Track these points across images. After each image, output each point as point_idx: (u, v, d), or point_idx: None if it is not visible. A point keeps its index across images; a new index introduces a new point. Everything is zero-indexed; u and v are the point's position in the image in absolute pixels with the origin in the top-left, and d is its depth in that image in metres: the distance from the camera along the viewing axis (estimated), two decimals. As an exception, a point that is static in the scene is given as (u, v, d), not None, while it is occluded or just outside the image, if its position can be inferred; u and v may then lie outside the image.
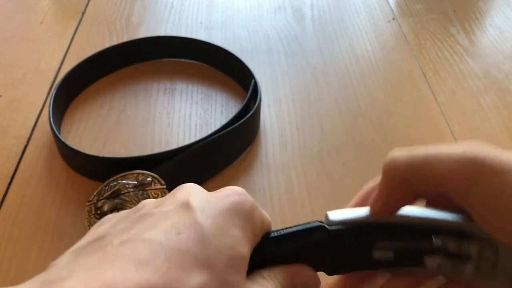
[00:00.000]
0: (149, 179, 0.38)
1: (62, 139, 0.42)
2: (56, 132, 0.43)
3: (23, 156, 0.45)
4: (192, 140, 0.42)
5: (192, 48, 0.55)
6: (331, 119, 0.49)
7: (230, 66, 0.53)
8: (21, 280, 0.39)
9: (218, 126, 0.44)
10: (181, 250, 0.17)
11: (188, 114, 0.49)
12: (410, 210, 0.22)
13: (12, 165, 0.44)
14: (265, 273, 0.21)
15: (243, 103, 0.45)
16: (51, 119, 0.44)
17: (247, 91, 0.47)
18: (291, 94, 0.52)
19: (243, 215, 0.20)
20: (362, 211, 0.22)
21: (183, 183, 0.44)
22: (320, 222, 0.23)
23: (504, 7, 0.66)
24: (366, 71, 0.55)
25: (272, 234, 0.22)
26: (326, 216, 0.23)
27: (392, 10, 0.66)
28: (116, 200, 0.37)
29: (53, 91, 0.47)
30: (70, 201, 0.41)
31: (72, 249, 0.19)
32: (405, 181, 0.21)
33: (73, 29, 0.62)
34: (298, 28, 0.62)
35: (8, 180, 0.43)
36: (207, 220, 0.19)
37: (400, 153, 0.21)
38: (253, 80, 0.47)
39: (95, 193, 0.38)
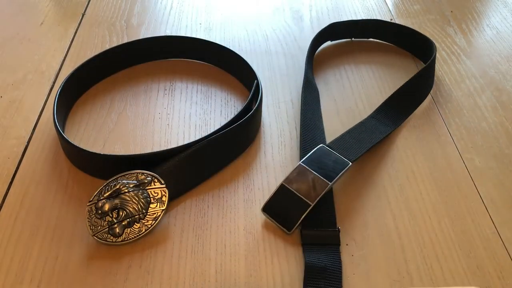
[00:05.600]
0: (149, 178, 0.39)
1: (67, 138, 0.42)
2: (61, 132, 0.43)
3: (24, 157, 0.45)
4: (192, 140, 0.42)
5: (193, 47, 0.55)
6: (329, 119, 0.49)
7: (232, 66, 0.53)
8: (22, 280, 0.39)
9: (217, 126, 0.44)
10: None
11: (188, 114, 0.49)
12: None
13: (13, 166, 0.44)
14: None
15: (245, 104, 0.45)
16: (56, 120, 0.44)
17: (248, 89, 0.47)
18: (289, 94, 0.52)
19: None
20: None
21: (183, 182, 0.44)
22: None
23: (501, 8, 0.67)
24: (364, 71, 0.55)
25: None
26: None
27: (390, 11, 0.66)
28: (116, 200, 0.38)
29: (56, 93, 0.47)
30: (70, 201, 0.41)
31: None
32: None
33: (73, 30, 0.62)
34: (296, 29, 0.63)
35: (9, 180, 0.43)
36: None
37: None
38: (255, 81, 0.47)
39: (95, 194, 0.38)
